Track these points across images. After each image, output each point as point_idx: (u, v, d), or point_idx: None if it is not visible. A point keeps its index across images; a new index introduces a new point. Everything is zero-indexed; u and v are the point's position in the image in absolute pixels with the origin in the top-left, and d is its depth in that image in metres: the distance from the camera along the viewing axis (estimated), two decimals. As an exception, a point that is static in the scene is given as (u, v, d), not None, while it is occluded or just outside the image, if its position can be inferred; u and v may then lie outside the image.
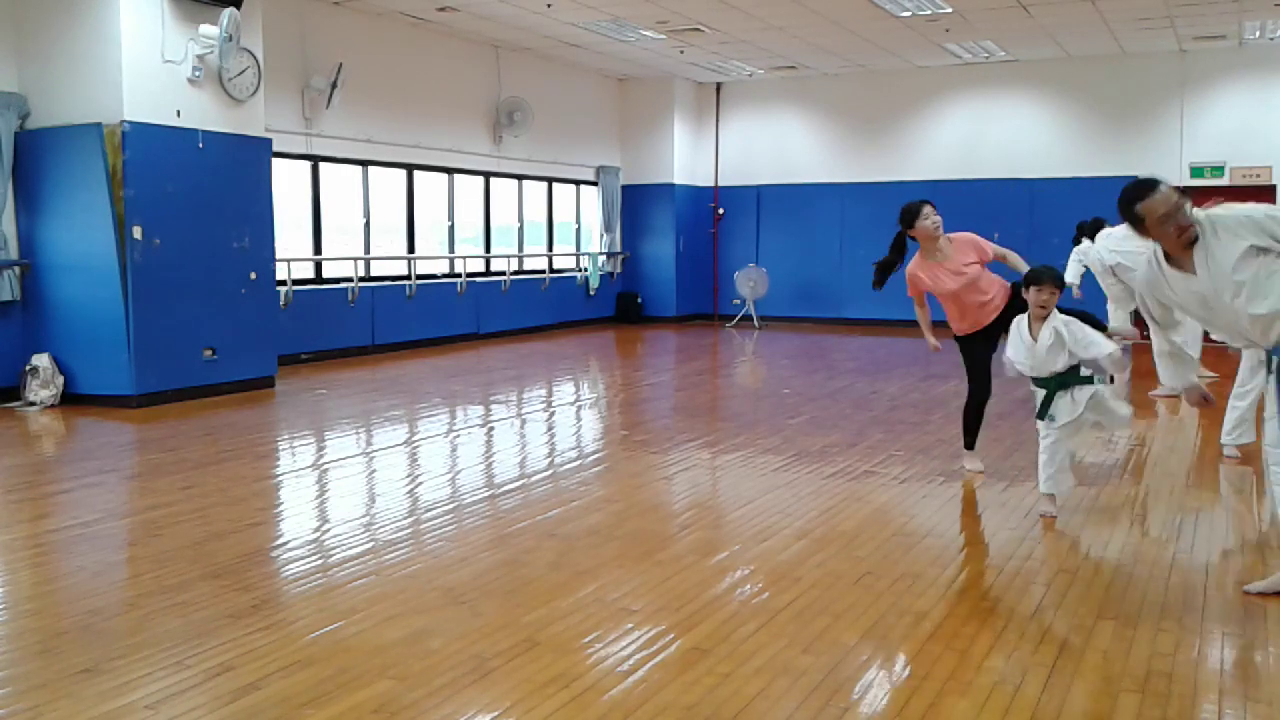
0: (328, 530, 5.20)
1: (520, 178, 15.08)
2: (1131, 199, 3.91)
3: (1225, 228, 3.82)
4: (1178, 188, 3.95)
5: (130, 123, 8.42)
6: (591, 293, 16.30)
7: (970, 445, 6.38)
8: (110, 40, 8.38)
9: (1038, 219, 14.75)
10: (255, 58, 9.38)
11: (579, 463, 6.89)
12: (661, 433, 7.85)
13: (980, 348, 6.14)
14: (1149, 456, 6.97)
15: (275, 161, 10.01)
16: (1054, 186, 14.83)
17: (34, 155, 8.65)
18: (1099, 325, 5.70)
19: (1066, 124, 15.01)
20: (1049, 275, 5.21)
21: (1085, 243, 10.39)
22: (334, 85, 11.40)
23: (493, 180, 14.56)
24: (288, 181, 11.30)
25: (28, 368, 8.61)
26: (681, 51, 14.36)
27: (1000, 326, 6.00)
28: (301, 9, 11.29)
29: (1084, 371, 5.22)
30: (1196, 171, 14.25)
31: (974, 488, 6.00)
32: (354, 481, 6.36)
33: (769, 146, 16.98)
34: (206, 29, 8.72)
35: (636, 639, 3.67)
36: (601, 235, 16.71)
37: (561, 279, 15.84)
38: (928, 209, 6.05)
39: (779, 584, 4.26)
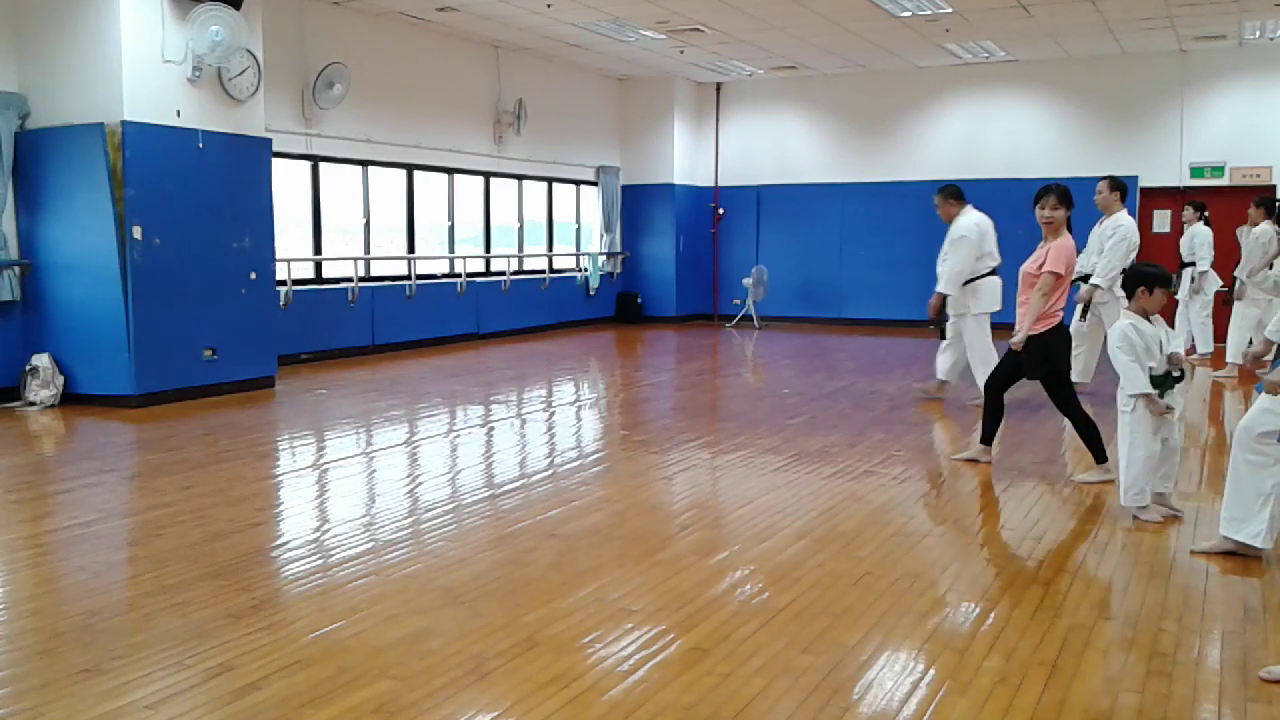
0: (328, 530, 5.20)
1: (520, 178, 15.08)
2: None
3: None
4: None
5: (130, 123, 8.41)
6: (591, 293, 16.30)
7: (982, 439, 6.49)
8: (110, 40, 8.38)
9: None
10: (255, 58, 9.38)
11: (579, 463, 6.89)
12: (661, 433, 7.85)
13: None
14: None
15: (275, 161, 10.01)
16: (1054, 187, 14.81)
17: (34, 155, 8.65)
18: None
19: (1066, 124, 15.02)
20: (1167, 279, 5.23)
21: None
22: (318, 82, 11.26)
23: (493, 180, 14.56)
24: (288, 181, 11.30)
25: (28, 368, 8.61)
26: (681, 51, 14.36)
27: (1019, 356, 6.08)
28: (301, 9, 11.29)
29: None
30: (1196, 171, 14.25)
31: (974, 488, 6.00)
32: (354, 481, 6.36)
33: (769, 146, 16.98)
34: (212, 30, 8.71)
35: (636, 639, 3.67)
36: (601, 235, 16.71)
37: (561, 279, 15.84)
38: (1045, 199, 6.16)
39: (779, 584, 4.26)
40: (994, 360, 7.79)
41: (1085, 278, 8.81)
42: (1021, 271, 6.16)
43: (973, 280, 8.48)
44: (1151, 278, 5.17)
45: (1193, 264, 11.66)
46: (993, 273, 8.59)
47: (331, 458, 7.06)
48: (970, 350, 8.57)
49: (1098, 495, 5.78)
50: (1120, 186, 8.77)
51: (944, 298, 8.54)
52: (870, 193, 16.19)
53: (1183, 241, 11.88)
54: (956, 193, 8.75)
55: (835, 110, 16.46)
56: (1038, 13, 11.87)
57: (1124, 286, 5.36)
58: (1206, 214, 11.66)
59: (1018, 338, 6.07)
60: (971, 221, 8.59)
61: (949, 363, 8.90)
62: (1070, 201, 6.18)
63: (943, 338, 8.85)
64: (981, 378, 8.13)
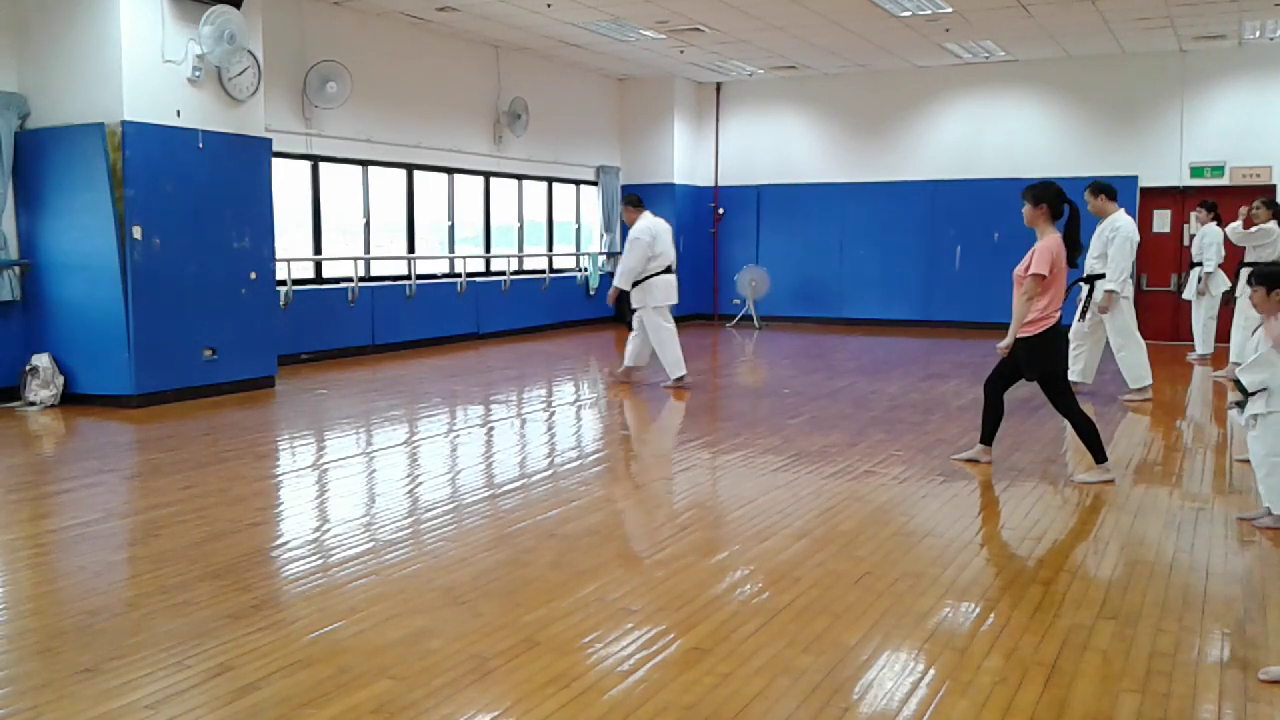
0: (328, 530, 5.20)
1: (520, 178, 15.08)
2: None
3: None
4: None
5: (130, 123, 8.41)
6: (591, 293, 16.29)
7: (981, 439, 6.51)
8: (110, 40, 8.38)
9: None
10: (255, 58, 9.37)
11: (579, 463, 6.89)
12: (661, 433, 7.85)
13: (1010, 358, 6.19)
14: (1149, 456, 6.97)
15: (275, 161, 10.01)
16: (1054, 186, 14.80)
17: (34, 155, 8.64)
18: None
19: (1066, 124, 15.01)
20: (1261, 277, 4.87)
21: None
22: (312, 79, 11.19)
23: (493, 180, 14.56)
24: (288, 181, 11.29)
25: (28, 368, 8.61)
26: (681, 51, 14.35)
27: (1016, 358, 6.07)
28: (301, 9, 11.29)
29: None
30: (1196, 171, 14.25)
31: (974, 488, 6.00)
32: (354, 481, 6.36)
33: (769, 146, 16.98)
34: (208, 29, 8.72)
35: (636, 639, 3.67)
36: (601, 235, 16.71)
37: (561, 279, 15.83)
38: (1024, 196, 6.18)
39: (779, 584, 4.26)
40: (673, 347, 9.58)
41: (1088, 278, 8.81)
42: (1013, 274, 6.15)
43: (648, 278, 9.65)
44: (1256, 278, 4.91)
45: (1200, 264, 11.67)
46: (667, 270, 9.77)
47: (331, 458, 7.06)
48: (653, 338, 9.70)
49: (1098, 495, 5.78)
50: (1104, 189, 8.79)
51: (621, 292, 9.81)
52: (870, 193, 16.18)
53: (1194, 242, 11.91)
54: (637, 200, 10.00)
55: (835, 110, 16.45)
56: (1038, 13, 11.86)
57: None
58: (1218, 214, 11.66)
59: (1004, 341, 6.07)
60: (645, 225, 9.73)
61: (635, 350, 9.93)
62: (1043, 198, 6.07)
63: (630, 329, 9.97)
64: (667, 362, 9.63)
